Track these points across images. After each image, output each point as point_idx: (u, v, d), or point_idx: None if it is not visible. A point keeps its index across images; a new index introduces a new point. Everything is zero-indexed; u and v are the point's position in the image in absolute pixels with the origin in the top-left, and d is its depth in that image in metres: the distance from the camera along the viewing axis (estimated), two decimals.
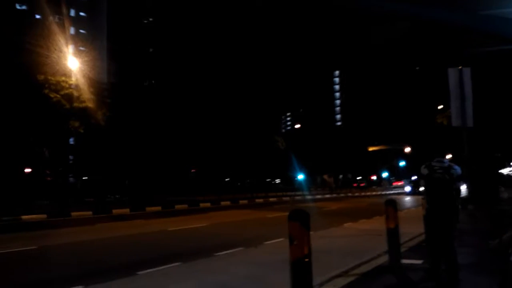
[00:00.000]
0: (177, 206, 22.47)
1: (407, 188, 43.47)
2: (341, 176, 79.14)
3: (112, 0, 66.72)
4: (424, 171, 5.47)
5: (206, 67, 55.59)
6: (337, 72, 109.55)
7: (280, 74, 75.55)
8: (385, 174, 79.40)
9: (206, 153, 47.39)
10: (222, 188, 45.93)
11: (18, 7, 53.45)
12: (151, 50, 66.98)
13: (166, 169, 46.19)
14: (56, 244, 10.59)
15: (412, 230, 9.88)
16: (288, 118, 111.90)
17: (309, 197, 38.48)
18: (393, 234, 6.48)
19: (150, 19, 71.06)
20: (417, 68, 56.27)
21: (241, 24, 63.24)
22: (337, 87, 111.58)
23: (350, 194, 46.43)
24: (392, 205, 6.57)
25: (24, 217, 15.96)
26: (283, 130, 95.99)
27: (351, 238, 11.14)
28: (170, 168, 47.13)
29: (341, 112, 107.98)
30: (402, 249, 7.30)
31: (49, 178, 33.95)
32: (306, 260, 3.58)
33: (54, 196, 21.34)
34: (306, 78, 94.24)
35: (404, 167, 68.34)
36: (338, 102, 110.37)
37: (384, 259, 6.87)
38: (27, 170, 35.94)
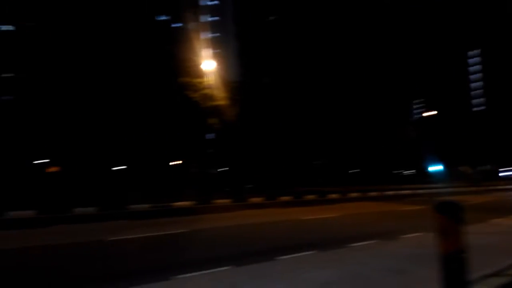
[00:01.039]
0: (306, 197, 22.97)
1: None
2: (482, 167, 70.63)
3: (238, 1, 70.40)
4: None
5: (330, 55, 54.94)
6: (474, 52, 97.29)
7: (409, 57, 70.53)
8: None
9: (332, 145, 47.14)
10: (348, 179, 45.20)
11: (158, 18, 60.28)
12: (275, 45, 68.88)
13: (293, 161, 47.33)
14: (203, 228, 11.87)
15: None
16: (419, 105, 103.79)
17: (445, 190, 35.38)
18: None
19: (274, 17, 73.05)
20: None
21: (364, 5, 60.72)
22: (475, 68, 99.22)
23: (492, 187, 41.25)
24: None
25: (174, 204, 18.12)
26: (414, 118, 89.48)
27: (503, 236, 10.05)
28: (297, 159, 48.16)
29: (484, 96, 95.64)
30: None
31: (194, 170, 37.88)
32: (461, 255, 3.45)
33: (198, 186, 23.85)
34: (438, 60, 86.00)
35: None
36: (477, 84, 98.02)
37: None
38: (177, 162, 40.83)
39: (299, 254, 7.63)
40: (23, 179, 26.70)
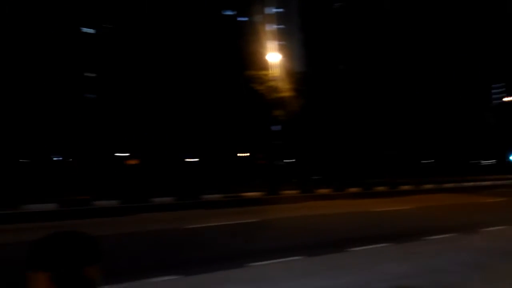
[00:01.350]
0: (377, 188, 22.38)
1: None
2: None
3: None
4: None
5: (402, 41, 52.36)
6: None
7: (488, 38, 65.03)
8: None
9: (404, 134, 45.22)
10: (421, 170, 43.13)
11: (224, 13, 61.52)
12: (341, 33, 67.22)
13: (363, 151, 46.21)
14: (274, 218, 12.13)
15: None
16: (499, 89, 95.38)
17: None
18: None
19: (340, 4, 71.19)
20: None
21: None
22: None
23: None
24: None
25: (244, 194, 18.63)
26: (494, 103, 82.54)
27: None
28: (366, 150, 46.92)
29: None
30: None
31: (261, 162, 38.62)
32: None
33: (265, 177, 24.28)
34: None
35: None
36: None
37: None
38: (244, 154, 41.93)
39: (372, 246, 7.57)
40: (107, 171, 29.06)
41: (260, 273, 6.07)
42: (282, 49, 29.02)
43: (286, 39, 35.68)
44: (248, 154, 42.05)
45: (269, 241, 8.66)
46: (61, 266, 1.76)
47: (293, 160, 46.10)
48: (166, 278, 5.74)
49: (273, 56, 27.79)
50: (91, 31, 38.58)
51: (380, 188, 22.45)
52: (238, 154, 43.44)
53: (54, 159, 35.58)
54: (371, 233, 9.34)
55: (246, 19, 48.96)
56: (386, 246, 7.63)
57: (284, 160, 48.70)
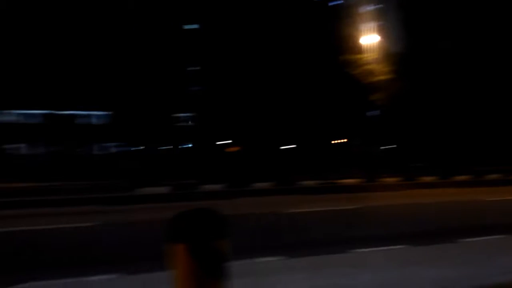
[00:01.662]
0: (488, 176, 20.43)
1: None
2: None
3: None
4: None
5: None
6: None
7: None
8: None
9: None
10: None
11: None
12: (444, 10, 61.67)
13: (472, 136, 42.31)
14: (373, 205, 11.92)
15: None
16: None
17: None
18: None
19: None
20: None
21: None
22: None
23: None
24: None
25: (340, 181, 18.47)
26: None
27: None
28: (477, 135, 42.82)
29: None
30: None
31: (358, 148, 37.80)
32: None
33: (363, 164, 23.73)
34: None
35: None
36: None
37: None
38: (340, 141, 41.48)
39: (485, 238, 7.07)
40: (211, 158, 31.34)
41: (361, 259, 6.10)
42: (379, 30, 27.79)
43: (383, 19, 33.85)
44: (345, 140, 41.34)
45: (369, 229, 8.58)
46: (196, 238, 2.08)
47: (393, 146, 44.07)
48: (270, 258, 6.07)
49: (370, 38, 26.76)
50: (195, 27, 41.04)
51: (493, 176, 20.49)
52: (334, 141, 42.85)
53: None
54: (482, 223, 8.70)
55: (340, 1, 47.51)
56: (504, 238, 7.06)
57: (383, 146, 46.73)
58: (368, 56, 27.13)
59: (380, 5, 62.84)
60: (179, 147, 39.61)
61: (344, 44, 28.37)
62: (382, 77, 27.60)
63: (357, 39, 27.31)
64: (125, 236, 8.46)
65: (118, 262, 6.36)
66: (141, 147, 37.54)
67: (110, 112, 36.64)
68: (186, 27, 41.63)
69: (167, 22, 39.29)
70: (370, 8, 61.29)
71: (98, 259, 6.60)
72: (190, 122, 39.89)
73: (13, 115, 35.50)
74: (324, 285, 4.67)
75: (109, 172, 22.03)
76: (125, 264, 6.09)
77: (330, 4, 54.30)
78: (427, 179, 18.84)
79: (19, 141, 35.01)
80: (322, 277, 4.93)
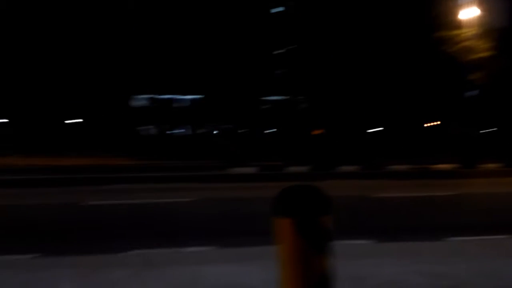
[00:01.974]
0: None
1: None
2: None
3: None
4: None
5: None
6: None
7: None
8: None
9: None
10: None
11: None
12: None
13: None
14: (473, 193, 11.08)
15: None
16: None
17: None
18: None
19: None
20: None
21: None
22: None
23: None
24: None
25: (433, 166, 17.48)
26: None
27: None
28: None
29: None
30: None
31: (454, 131, 35.49)
32: None
33: (459, 148, 22.23)
34: None
35: None
36: None
37: None
38: (433, 123, 39.13)
39: None
40: (295, 140, 31.79)
41: (459, 248, 5.85)
42: (480, 2, 25.39)
43: None
44: (438, 122, 38.78)
45: (469, 216, 8.15)
46: (302, 213, 2.23)
47: (494, 129, 40.30)
48: (358, 242, 6.10)
49: (469, 12, 24.68)
50: (280, 9, 41.37)
51: None
52: (427, 124, 40.44)
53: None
54: None
55: None
56: None
57: (483, 130, 43.04)
58: (467, 32, 25.12)
59: None
60: (266, 131, 40.69)
61: (439, 20, 26.43)
62: (482, 54, 25.44)
63: (455, 13, 25.39)
64: (218, 211, 9.07)
65: (213, 235, 6.86)
66: (245, 130, 39.80)
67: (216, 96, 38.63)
68: (273, 10, 42.07)
69: (255, 7, 40.04)
70: None
71: (195, 232, 7.19)
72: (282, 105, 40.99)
73: (143, 99, 39.54)
74: (417, 270, 4.60)
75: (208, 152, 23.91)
76: (219, 238, 6.54)
77: None
78: None
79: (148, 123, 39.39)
80: (414, 263, 4.85)
